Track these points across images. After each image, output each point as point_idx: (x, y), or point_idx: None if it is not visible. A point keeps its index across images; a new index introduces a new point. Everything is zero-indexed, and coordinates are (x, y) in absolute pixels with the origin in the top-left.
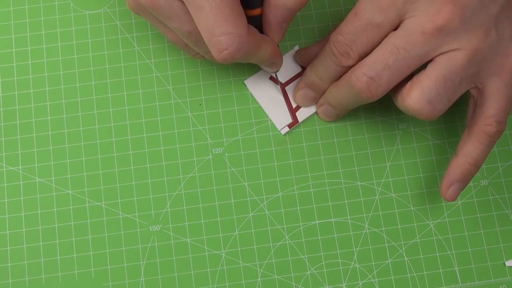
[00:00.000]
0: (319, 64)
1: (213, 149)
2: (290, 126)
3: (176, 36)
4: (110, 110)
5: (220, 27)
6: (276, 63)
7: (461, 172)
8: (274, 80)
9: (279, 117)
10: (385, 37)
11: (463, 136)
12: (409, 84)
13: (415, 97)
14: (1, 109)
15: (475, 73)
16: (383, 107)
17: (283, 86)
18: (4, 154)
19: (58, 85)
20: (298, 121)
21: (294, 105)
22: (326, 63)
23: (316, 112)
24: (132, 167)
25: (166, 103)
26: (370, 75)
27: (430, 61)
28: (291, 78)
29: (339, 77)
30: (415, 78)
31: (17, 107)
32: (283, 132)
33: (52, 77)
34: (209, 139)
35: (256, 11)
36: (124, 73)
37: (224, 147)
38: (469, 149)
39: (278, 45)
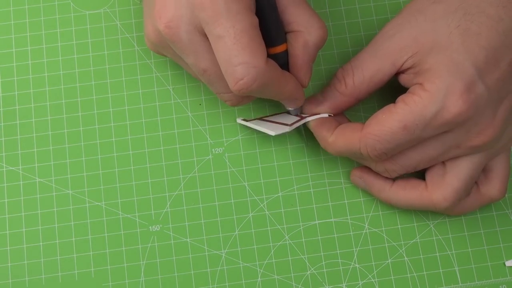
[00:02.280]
0: (343, 150)
1: (213, 149)
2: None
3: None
4: (110, 110)
5: (237, 57)
6: (297, 100)
7: None
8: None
9: (275, 128)
10: None
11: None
12: (436, 186)
13: (450, 196)
14: (1, 109)
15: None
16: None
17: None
18: (4, 154)
19: (58, 85)
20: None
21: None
22: (353, 155)
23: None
24: (132, 167)
25: (166, 103)
26: (396, 170)
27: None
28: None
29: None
30: (442, 182)
31: (17, 107)
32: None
33: (52, 77)
34: (209, 139)
35: (280, 48)
36: (124, 73)
37: (224, 147)
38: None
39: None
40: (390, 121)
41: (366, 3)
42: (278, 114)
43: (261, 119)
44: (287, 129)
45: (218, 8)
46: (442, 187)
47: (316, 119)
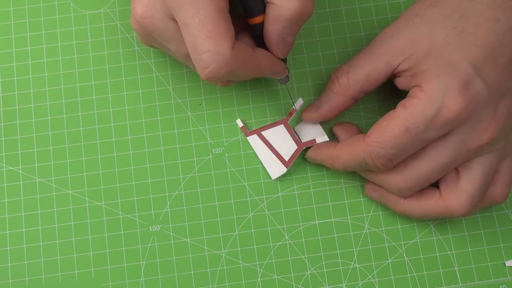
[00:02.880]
0: (350, 163)
1: (213, 149)
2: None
3: None
4: (110, 110)
5: (202, 45)
6: (276, 73)
7: None
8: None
9: (273, 167)
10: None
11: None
12: (451, 194)
13: (466, 203)
14: (1, 109)
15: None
16: (383, 107)
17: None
18: (4, 154)
19: (58, 85)
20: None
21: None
22: (360, 167)
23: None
24: (132, 167)
25: (166, 103)
26: (411, 187)
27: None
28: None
29: None
30: (456, 189)
31: (17, 107)
32: (273, 178)
33: (52, 77)
34: (209, 139)
35: (258, 19)
36: (124, 73)
37: (224, 147)
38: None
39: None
40: (391, 126)
41: (366, 3)
42: (276, 124)
43: (260, 131)
44: (284, 170)
45: None
46: (457, 193)
47: (312, 147)
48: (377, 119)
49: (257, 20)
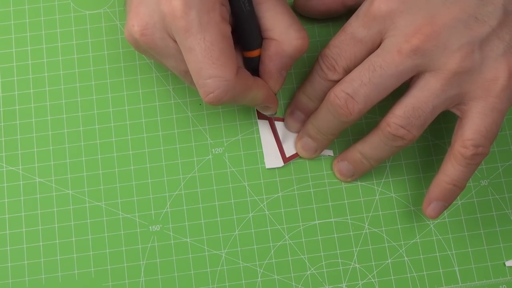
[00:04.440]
0: (308, 83)
1: (213, 149)
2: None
3: None
4: (110, 110)
5: (207, 70)
6: (269, 107)
7: (439, 191)
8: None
9: (271, 157)
10: (368, 55)
11: (446, 153)
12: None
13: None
14: (1, 109)
15: (455, 95)
16: (383, 107)
17: (271, 121)
18: (4, 154)
19: (58, 85)
20: (285, 162)
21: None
22: (314, 79)
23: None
24: (132, 167)
25: (166, 103)
26: (348, 91)
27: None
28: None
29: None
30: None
31: (17, 107)
32: (267, 167)
33: (52, 77)
34: (209, 139)
35: (255, 53)
36: (124, 73)
37: (224, 147)
38: (447, 168)
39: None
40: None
41: None
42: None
43: (272, 119)
44: (281, 164)
45: (189, 19)
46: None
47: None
48: (377, 119)
49: (254, 53)
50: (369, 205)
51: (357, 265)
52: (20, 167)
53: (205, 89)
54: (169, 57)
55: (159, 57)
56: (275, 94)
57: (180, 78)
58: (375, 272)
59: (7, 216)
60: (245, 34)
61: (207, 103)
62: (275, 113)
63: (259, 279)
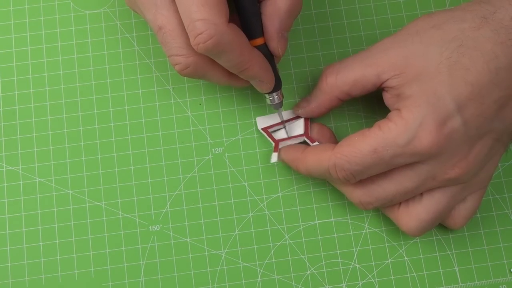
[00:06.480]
0: (313, 169)
1: (213, 149)
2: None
3: None
4: (110, 110)
5: (197, 12)
6: (263, 82)
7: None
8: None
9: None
10: None
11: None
12: (405, 212)
13: (413, 228)
14: (1, 109)
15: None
16: (383, 107)
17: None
18: (4, 154)
19: (58, 85)
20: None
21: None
22: (322, 175)
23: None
24: (132, 167)
25: (166, 103)
26: (372, 202)
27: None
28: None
29: None
30: (412, 210)
31: (17, 107)
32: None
33: (52, 77)
34: (209, 139)
35: (259, 41)
36: (124, 73)
37: (224, 147)
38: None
39: (270, 65)
40: (361, 144)
41: (366, 3)
42: (291, 120)
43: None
44: (274, 160)
45: None
46: (410, 215)
47: (283, 147)
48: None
49: (259, 41)
50: None
51: (357, 265)
52: (20, 167)
53: (194, 31)
54: (150, 6)
55: (141, 7)
56: (279, 58)
57: (156, 36)
58: (375, 272)
59: (7, 216)
60: (249, 21)
61: (194, 46)
62: (280, 103)
63: (259, 279)
